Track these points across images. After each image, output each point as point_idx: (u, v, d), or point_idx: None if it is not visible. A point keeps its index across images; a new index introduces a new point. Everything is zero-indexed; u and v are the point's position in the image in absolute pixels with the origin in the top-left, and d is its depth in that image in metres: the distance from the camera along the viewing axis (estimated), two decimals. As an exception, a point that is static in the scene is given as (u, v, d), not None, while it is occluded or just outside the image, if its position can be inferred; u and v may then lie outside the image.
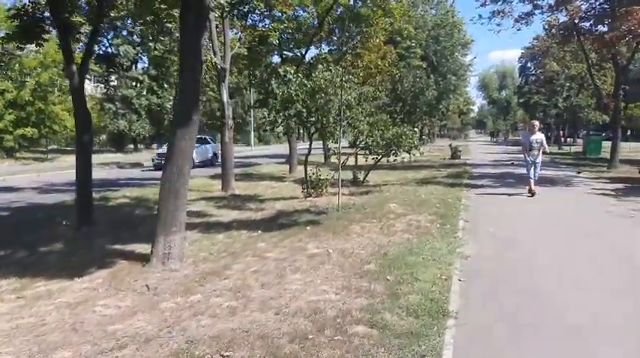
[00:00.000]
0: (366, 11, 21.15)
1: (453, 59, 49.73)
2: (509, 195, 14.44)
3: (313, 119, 13.35)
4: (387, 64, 26.43)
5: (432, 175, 20.52)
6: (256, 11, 17.54)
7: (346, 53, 26.85)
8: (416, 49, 38.41)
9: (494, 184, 17.28)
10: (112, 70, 43.06)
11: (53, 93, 34.70)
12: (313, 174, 14.58)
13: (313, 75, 13.09)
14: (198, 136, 28.47)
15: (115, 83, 43.22)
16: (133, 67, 44.45)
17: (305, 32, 20.59)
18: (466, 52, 55.36)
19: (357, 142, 14.72)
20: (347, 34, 23.36)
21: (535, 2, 23.88)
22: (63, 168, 29.12)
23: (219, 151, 19.34)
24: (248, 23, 18.48)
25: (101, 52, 42.83)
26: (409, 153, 14.91)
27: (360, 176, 17.59)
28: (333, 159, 18.78)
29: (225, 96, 16.15)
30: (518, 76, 74.77)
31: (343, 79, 12.75)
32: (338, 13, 21.75)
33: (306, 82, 12.77)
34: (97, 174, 27.12)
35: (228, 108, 16.22)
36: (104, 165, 31.71)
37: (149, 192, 16.21)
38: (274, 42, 19.43)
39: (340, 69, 13.25)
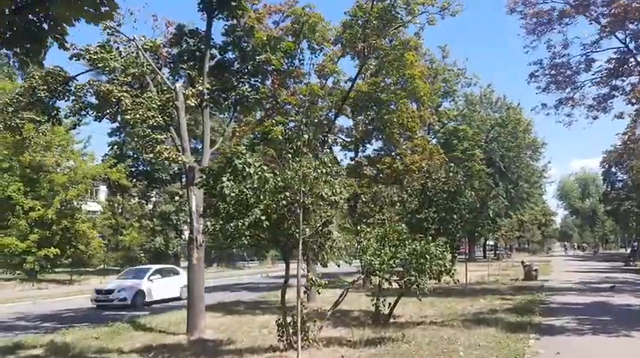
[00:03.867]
0: (387, 96, 17.39)
1: (521, 162, 44.45)
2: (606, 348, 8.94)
3: (287, 232, 9.07)
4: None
5: (491, 307, 15.04)
6: (250, 101, 14.05)
7: (388, 154, 22.92)
8: (474, 151, 33.95)
9: (580, 327, 11.61)
10: (153, 186, 41.58)
11: (80, 210, 32.70)
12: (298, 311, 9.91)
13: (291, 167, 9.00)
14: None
15: (155, 199, 41.49)
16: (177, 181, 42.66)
17: (317, 126, 17.00)
18: (538, 156, 50.00)
19: (363, 265, 10.01)
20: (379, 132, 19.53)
21: (613, 84, 19.17)
22: (75, 294, 25.91)
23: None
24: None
25: (143, 168, 41.60)
26: (438, 281, 9.93)
27: (385, 308, 12.50)
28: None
29: (194, 204, 12.25)
30: (603, 182, 67.31)
31: (323, 170, 8.57)
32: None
33: (268, 175, 8.64)
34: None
35: (197, 220, 12.20)
36: (121, 289, 28.26)
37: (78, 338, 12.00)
38: (279, 138, 15.81)
39: (319, 159, 9.04)
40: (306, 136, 10.00)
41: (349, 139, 24.19)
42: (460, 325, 11.75)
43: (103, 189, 45.78)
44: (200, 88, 13.30)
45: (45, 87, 13.30)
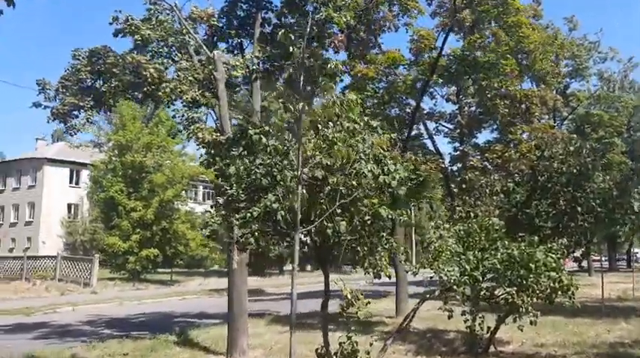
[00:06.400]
0: (484, 56, 13.78)
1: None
2: None
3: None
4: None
5: (636, 335, 11.07)
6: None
7: (500, 142, 19.16)
8: (612, 139, 28.29)
9: None
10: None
11: (179, 210, 32.46)
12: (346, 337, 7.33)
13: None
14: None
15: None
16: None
17: (402, 105, 13.97)
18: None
19: (436, 277, 7.01)
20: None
21: None
22: (166, 296, 25.25)
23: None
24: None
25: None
26: (551, 302, 6.64)
27: (484, 332, 9.24)
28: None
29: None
30: None
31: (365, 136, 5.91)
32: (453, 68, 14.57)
33: (280, 146, 6.14)
34: (181, 303, 22.76)
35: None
36: (207, 293, 27.01)
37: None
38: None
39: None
40: (353, 97, 7.37)
41: (452, 127, 20.85)
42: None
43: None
44: (248, 56, 11.19)
45: (89, 69, 12.01)
